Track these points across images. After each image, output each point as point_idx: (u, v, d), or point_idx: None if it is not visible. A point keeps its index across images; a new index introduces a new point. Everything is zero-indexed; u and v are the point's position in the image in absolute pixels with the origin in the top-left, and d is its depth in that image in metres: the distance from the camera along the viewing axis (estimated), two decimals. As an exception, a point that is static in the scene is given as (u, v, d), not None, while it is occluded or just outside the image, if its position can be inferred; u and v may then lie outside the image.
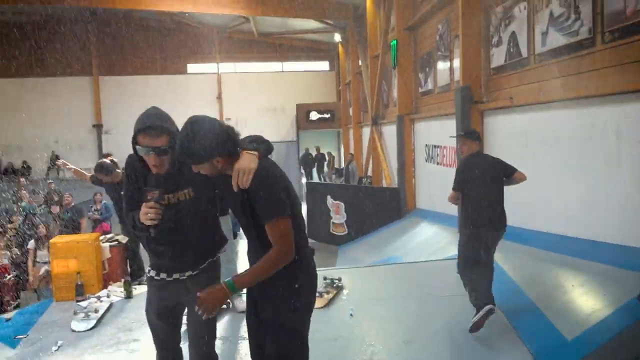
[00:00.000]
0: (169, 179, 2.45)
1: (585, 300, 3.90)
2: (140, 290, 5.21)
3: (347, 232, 11.95)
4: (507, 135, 6.69)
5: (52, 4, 17.88)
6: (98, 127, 22.93)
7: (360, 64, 16.61)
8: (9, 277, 7.57)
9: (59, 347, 4.10)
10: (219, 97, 23.23)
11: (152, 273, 2.61)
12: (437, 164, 9.21)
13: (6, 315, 4.95)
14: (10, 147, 22.23)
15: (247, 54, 23.59)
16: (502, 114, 6.80)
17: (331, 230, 12.33)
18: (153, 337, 2.71)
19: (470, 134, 4.70)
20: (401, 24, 10.99)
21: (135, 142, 2.38)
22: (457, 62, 8.20)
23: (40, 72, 22.39)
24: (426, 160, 9.96)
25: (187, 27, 22.49)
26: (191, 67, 23.50)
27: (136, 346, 4.04)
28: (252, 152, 2.23)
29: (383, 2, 13.03)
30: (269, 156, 2.35)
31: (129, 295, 5.18)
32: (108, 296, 5.16)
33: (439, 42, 9.34)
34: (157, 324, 2.65)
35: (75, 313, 4.68)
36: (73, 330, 4.42)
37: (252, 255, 2.39)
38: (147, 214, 2.33)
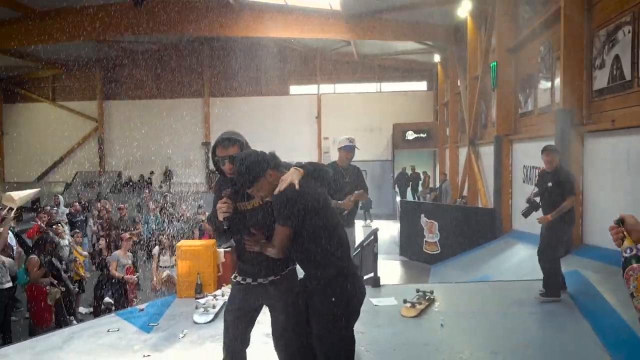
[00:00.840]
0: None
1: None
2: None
3: (440, 251, 12.01)
4: (608, 158, 6.59)
5: (171, 34, 19.74)
6: (206, 144, 24.69)
7: (459, 84, 16.65)
8: (134, 277, 8.60)
9: (184, 334, 4.78)
10: (318, 117, 24.12)
11: (239, 278, 3.00)
12: (536, 185, 9.11)
13: (140, 306, 5.78)
14: (131, 161, 24.58)
15: (346, 75, 24.36)
16: (603, 137, 6.72)
17: (424, 249, 12.45)
18: (224, 336, 3.04)
19: (556, 148, 5.94)
20: (502, 45, 11.02)
21: (214, 155, 2.97)
22: (558, 84, 8.17)
23: (159, 95, 24.72)
24: (524, 182, 9.87)
25: (290, 50, 23.75)
26: (293, 89, 24.68)
27: (248, 338, 4.60)
28: (298, 168, 2.74)
29: (484, 24, 13.11)
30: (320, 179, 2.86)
31: (240, 296, 5.80)
32: (222, 295, 5.82)
33: (541, 64, 9.31)
34: (232, 323, 2.98)
35: (196, 307, 5.37)
36: (195, 322, 5.11)
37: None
38: (220, 208, 2.82)
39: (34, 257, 7.09)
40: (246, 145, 2.96)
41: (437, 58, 20.52)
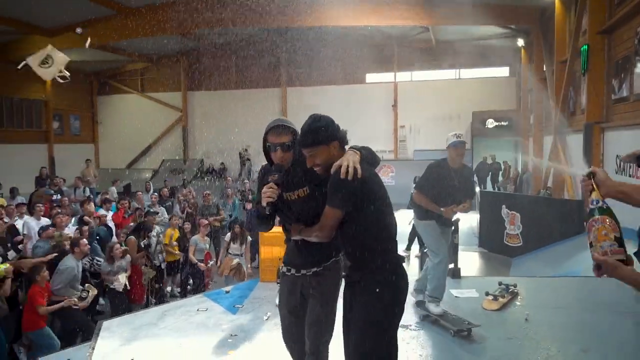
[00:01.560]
0: (289, 177, 2.81)
1: None
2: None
3: (522, 243, 11.58)
4: None
5: (249, 27, 20.21)
6: (284, 133, 25.04)
7: (544, 69, 15.85)
8: (211, 262, 8.97)
9: (268, 317, 4.99)
10: (395, 105, 23.84)
11: (284, 269, 2.99)
12: (630, 176, 8.55)
13: (225, 288, 6.08)
14: (212, 150, 25.54)
15: (423, 63, 23.83)
16: None
17: (505, 241, 12.05)
18: (281, 329, 3.07)
19: None
20: (594, 27, 10.37)
21: (265, 141, 2.85)
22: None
23: (239, 85, 25.46)
24: (616, 172, 9.27)
25: (367, 38, 23.55)
26: (369, 77, 24.53)
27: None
28: (356, 151, 2.61)
29: (574, 5, 12.38)
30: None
31: (319, 282, 5.94)
32: (303, 281, 5.98)
33: (638, 46, 8.68)
34: (286, 316, 3.00)
35: (278, 292, 5.56)
36: (277, 306, 5.29)
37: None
38: (265, 192, 2.69)
39: (132, 238, 7.63)
40: (298, 135, 2.78)
41: (520, 42, 19.60)
